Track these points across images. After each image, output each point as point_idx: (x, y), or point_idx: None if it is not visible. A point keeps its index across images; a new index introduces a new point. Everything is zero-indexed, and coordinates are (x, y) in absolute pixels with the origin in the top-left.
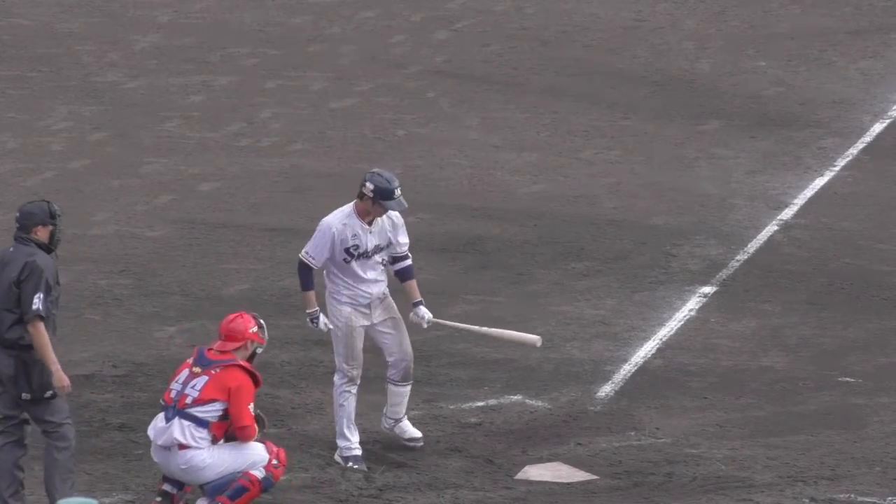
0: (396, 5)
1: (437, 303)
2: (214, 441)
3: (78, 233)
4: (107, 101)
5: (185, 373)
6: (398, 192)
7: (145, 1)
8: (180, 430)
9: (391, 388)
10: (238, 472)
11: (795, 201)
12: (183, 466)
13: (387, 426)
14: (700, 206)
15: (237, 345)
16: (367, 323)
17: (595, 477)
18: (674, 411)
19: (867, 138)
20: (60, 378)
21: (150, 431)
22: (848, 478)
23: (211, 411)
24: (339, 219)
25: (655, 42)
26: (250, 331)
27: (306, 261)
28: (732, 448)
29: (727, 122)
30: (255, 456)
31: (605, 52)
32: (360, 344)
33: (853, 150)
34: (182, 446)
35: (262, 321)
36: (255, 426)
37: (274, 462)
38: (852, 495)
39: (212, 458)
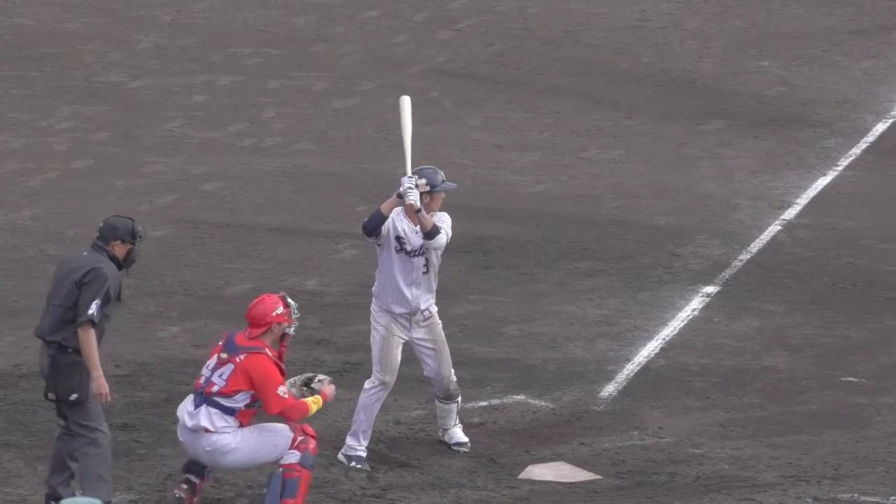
0: (399, 5)
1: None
2: (241, 427)
3: (81, 233)
4: (110, 100)
5: (214, 359)
6: (442, 175)
7: (148, 1)
8: (207, 417)
9: (437, 403)
10: (269, 461)
11: (798, 201)
12: (208, 449)
13: (440, 434)
14: (703, 205)
15: (262, 330)
16: (405, 337)
17: (598, 476)
18: (677, 411)
19: (870, 138)
20: (100, 385)
21: (180, 411)
22: (851, 477)
23: (237, 401)
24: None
25: (658, 42)
26: (272, 314)
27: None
28: (735, 448)
29: (730, 122)
30: (279, 437)
31: (608, 52)
32: (394, 353)
33: (856, 150)
34: (208, 431)
35: (290, 300)
36: (294, 405)
37: (300, 438)
38: (855, 495)
39: (237, 443)
